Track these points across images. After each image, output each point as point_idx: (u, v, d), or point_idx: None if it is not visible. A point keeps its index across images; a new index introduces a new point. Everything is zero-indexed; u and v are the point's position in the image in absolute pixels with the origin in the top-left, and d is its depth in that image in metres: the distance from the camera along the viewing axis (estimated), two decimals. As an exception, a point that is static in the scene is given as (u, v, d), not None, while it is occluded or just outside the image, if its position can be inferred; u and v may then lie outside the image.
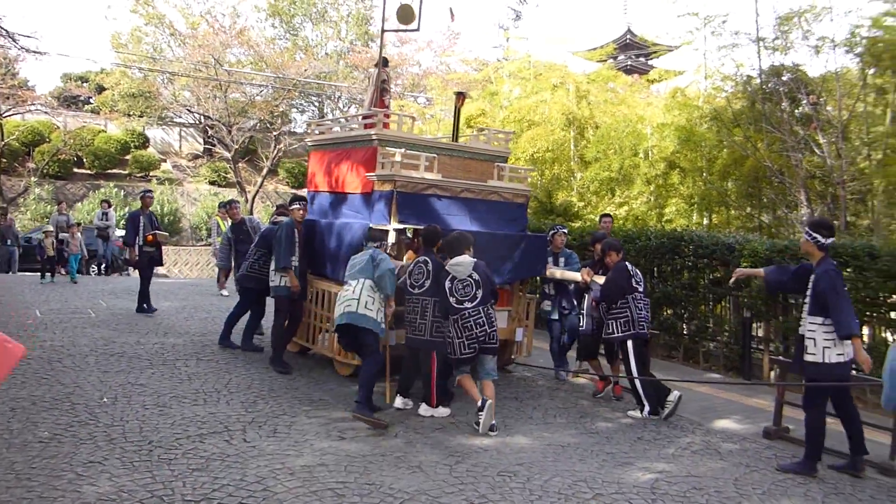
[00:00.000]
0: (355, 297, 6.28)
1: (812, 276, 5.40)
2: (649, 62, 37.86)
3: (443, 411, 6.44)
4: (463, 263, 6.21)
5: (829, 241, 5.44)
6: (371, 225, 7.09)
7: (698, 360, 9.86)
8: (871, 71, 11.74)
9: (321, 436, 5.63)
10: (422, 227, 6.92)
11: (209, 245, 20.78)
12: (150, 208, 11.06)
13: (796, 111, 12.61)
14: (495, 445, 5.70)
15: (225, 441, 5.33)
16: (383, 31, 9.51)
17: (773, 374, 8.66)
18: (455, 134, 8.80)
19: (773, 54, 12.69)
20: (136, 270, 11.60)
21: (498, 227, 7.93)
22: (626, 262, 7.21)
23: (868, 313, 8.24)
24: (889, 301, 8.11)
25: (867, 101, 12.30)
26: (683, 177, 14.36)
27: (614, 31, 43.19)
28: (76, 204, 26.03)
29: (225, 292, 13.30)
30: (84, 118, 31.69)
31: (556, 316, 8.33)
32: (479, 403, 6.00)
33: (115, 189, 26.04)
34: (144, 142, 30.55)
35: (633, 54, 40.60)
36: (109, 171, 28.47)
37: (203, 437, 5.39)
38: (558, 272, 8.16)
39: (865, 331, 8.59)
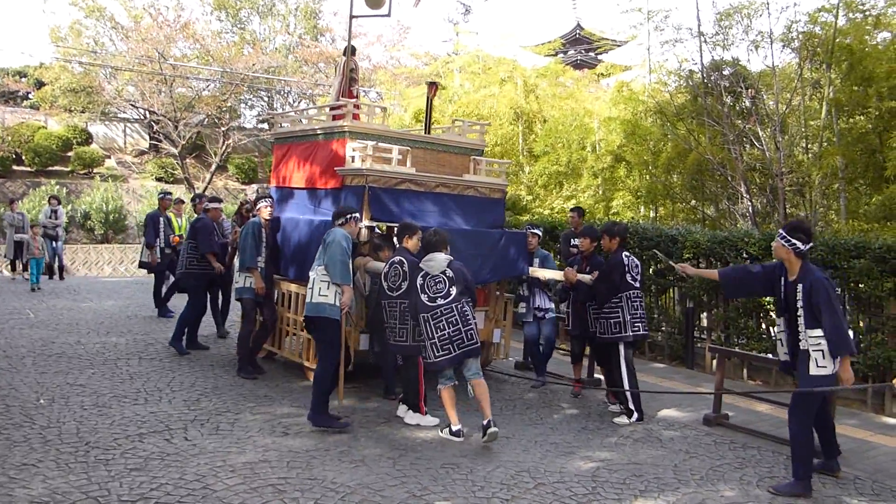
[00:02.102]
0: (310, 285, 5.99)
1: (799, 287, 4.94)
2: (598, 57, 38.25)
3: (430, 420, 6.08)
4: (436, 259, 5.83)
5: (808, 246, 4.99)
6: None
7: (644, 351, 10.03)
8: (808, 65, 12.07)
9: (265, 432, 5.58)
10: (395, 225, 6.52)
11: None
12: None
13: (737, 105, 12.91)
14: (439, 438, 5.72)
15: (165, 440, 5.25)
16: (351, 17, 9.04)
17: (713, 362, 8.86)
18: (427, 126, 8.40)
19: (715, 49, 12.97)
20: (151, 273, 11.13)
21: (475, 224, 7.64)
22: (624, 253, 6.74)
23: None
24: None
25: (804, 94, 12.65)
26: (630, 170, 14.59)
27: (564, 26, 43.71)
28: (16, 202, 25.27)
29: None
30: (23, 114, 30.70)
31: (530, 318, 7.80)
32: (485, 423, 5.55)
33: (57, 187, 25.30)
34: (87, 138, 29.73)
35: (583, 49, 40.97)
36: (50, 168, 27.65)
37: (143, 436, 5.30)
38: (540, 272, 7.65)
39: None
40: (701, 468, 5.35)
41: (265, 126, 33.94)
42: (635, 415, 6.55)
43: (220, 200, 9.17)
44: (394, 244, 6.54)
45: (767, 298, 8.53)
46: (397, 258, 6.07)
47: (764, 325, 8.97)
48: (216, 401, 6.37)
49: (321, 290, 5.87)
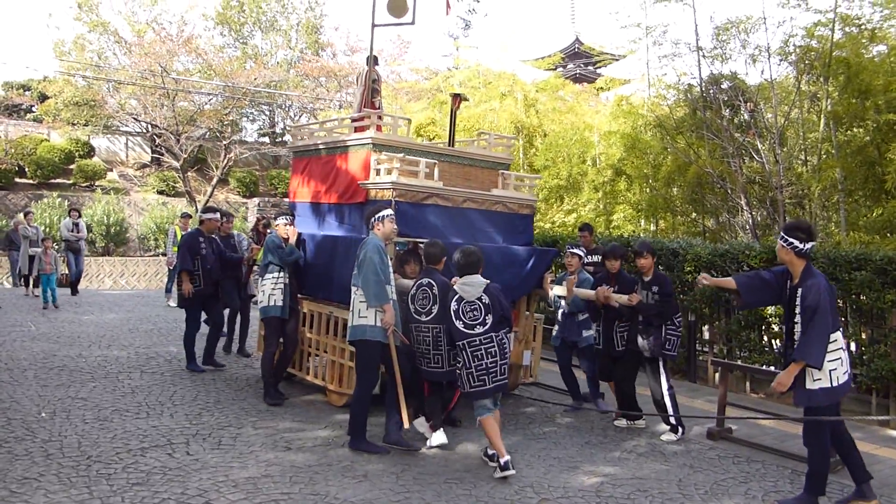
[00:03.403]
0: (350, 308, 5.71)
1: (799, 291, 4.73)
2: (597, 71, 38.38)
3: (439, 437, 5.81)
4: (473, 284, 5.45)
5: (809, 245, 4.75)
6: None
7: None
8: (805, 78, 12.13)
9: (267, 447, 5.57)
10: (423, 242, 6.24)
11: (164, 255, 19.64)
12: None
13: (735, 118, 12.96)
14: (442, 453, 5.70)
15: (167, 454, 5.24)
16: (374, 25, 8.50)
17: (716, 375, 8.85)
18: (451, 139, 8.16)
19: (713, 63, 13.03)
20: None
21: (504, 240, 7.40)
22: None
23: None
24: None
25: (802, 107, 12.70)
26: (630, 183, 14.61)
27: (563, 40, 43.70)
28: (18, 215, 25.32)
29: (172, 303, 13.08)
30: (26, 127, 30.84)
31: (558, 343, 7.48)
32: (503, 462, 5.16)
33: (59, 199, 25.38)
34: (89, 151, 29.84)
35: (582, 63, 41.14)
36: (53, 180, 27.76)
37: (145, 450, 5.29)
38: (577, 291, 7.11)
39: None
40: (705, 483, 5.34)
41: (266, 139, 34.09)
42: (681, 429, 6.47)
43: (216, 210, 8.79)
44: (420, 258, 6.26)
45: (770, 310, 8.55)
46: (426, 280, 5.83)
47: (766, 338, 8.96)
48: (218, 415, 6.35)
49: (360, 311, 5.60)
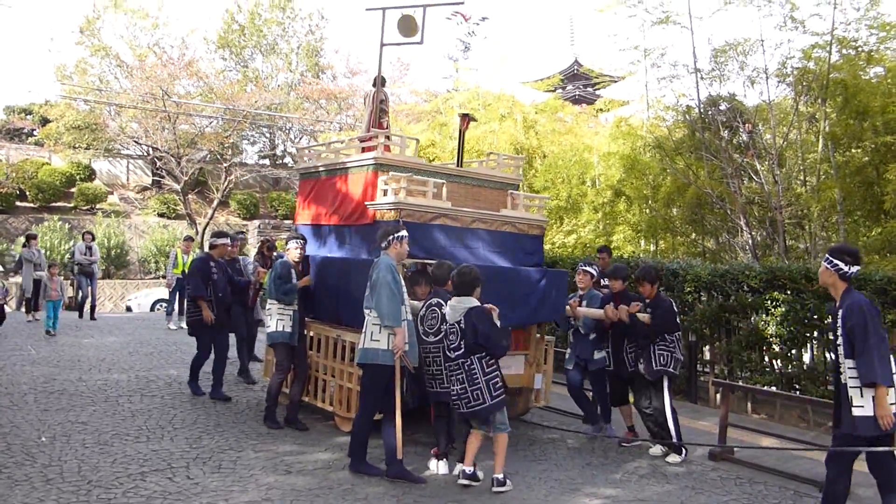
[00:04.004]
0: (363, 330, 5.63)
1: (840, 313, 4.55)
2: (597, 92, 38.63)
3: (443, 467, 5.76)
4: (456, 308, 5.44)
5: (854, 269, 4.60)
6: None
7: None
8: (803, 100, 12.22)
9: (267, 470, 5.55)
10: (431, 263, 6.24)
11: (163, 278, 19.45)
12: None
13: (734, 139, 13.04)
14: (444, 476, 5.68)
15: (167, 478, 5.22)
16: (382, 44, 8.39)
17: (717, 396, 8.82)
18: (459, 159, 8.06)
19: (711, 85, 13.14)
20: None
21: (513, 262, 7.28)
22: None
23: (807, 335, 8.48)
24: (826, 322, 8.35)
25: (800, 128, 12.79)
26: (630, 204, 14.68)
27: (562, 61, 43.97)
28: (18, 238, 25.39)
29: (172, 326, 13.08)
30: (27, 150, 31.02)
31: (571, 366, 7.27)
32: (469, 471, 5.40)
33: (60, 222, 25.46)
34: (90, 174, 29.99)
35: (581, 84, 41.39)
36: (53, 204, 27.88)
37: (145, 474, 5.27)
38: (586, 311, 7.06)
39: (806, 353, 8.85)
40: (707, 504, 5.32)
41: (266, 162, 34.22)
42: (684, 451, 6.44)
43: (226, 235, 8.60)
44: (429, 279, 6.22)
45: (770, 331, 8.56)
46: (435, 300, 5.81)
47: (767, 358, 8.96)
48: (218, 439, 6.34)
49: (373, 334, 5.50)
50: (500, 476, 5.34)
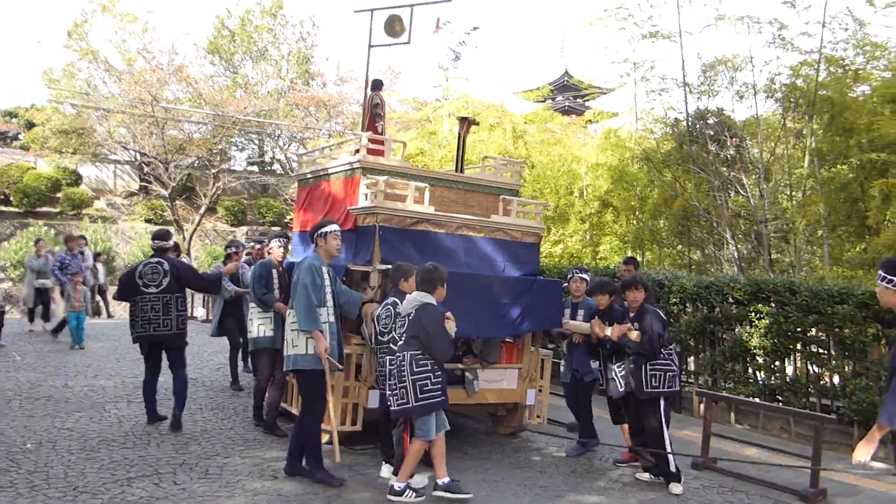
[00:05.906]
0: (285, 335, 5.59)
1: None
2: (586, 103, 38.78)
3: (417, 481, 5.44)
4: (412, 301, 5.30)
5: None
6: (349, 265, 6.24)
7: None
8: (791, 115, 12.39)
9: (254, 476, 5.56)
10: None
11: None
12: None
13: (721, 153, 13.18)
14: (430, 482, 5.70)
15: (154, 484, 5.22)
16: (370, 46, 8.30)
17: (701, 406, 8.90)
18: (459, 164, 7.82)
19: (700, 99, 13.29)
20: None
21: (505, 269, 6.95)
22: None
23: (790, 347, 8.58)
24: (809, 335, 8.46)
25: (787, 144, 12.95)
26: (617, 215, 14.80)
27: (553, 72, 44.13)
28: (3, 243, 25.20)
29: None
30: (12, 154, 30.80)
31: (567, 378, 7.00)
32: (398, 486, 5.17)
33: (45, 227, 25.29)
34: (77, 179, 29.81)
35: (571, 95, 41.54)
36: (39, 209, 27.69)
37: (131, 480, 5.27)
38: (572, 324, 6.82)
39: (789, 365, 8.94)
40: (690, 514, 5.37)
41: (255, 168, 34.16)
42: (681, 479, 5.94)
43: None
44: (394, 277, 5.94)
45: (754, 342, 8.65)
46: (391, 299, 5.68)
47: (751, 370, 9.04)
48: (205, 445, 6.34)
49: (293, 340, 5.40)
50: (400, 485, 5.14)
